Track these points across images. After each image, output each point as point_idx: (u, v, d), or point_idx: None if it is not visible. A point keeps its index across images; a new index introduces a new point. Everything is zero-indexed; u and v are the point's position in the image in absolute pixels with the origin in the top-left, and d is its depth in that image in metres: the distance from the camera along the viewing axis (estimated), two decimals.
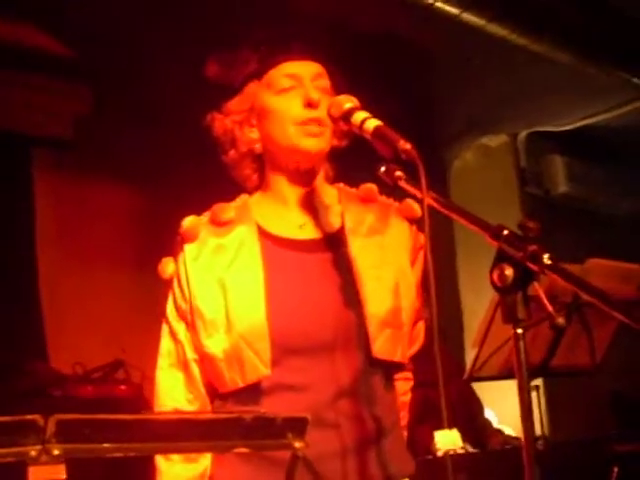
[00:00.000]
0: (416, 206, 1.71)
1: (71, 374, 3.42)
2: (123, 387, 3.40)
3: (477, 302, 5.10)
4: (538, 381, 3.73)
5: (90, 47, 3.76)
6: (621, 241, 5.79)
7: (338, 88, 1.71)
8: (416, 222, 1.75)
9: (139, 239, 4.00)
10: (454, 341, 4.86)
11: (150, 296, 4.00)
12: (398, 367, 1.67)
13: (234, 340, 1.56)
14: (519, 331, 1.19)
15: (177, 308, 1.68)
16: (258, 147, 1.71)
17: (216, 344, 1.58)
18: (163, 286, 4.10)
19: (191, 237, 1.68)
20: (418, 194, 1.36)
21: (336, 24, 3.63)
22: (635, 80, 4.09)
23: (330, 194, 1.75)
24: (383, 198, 1.77)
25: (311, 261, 1.65)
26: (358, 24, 3.73)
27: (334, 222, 1.70)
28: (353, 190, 1.77)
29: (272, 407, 1.51)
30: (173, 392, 1.65)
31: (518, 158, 5.40)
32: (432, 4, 3.19)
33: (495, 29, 3.40)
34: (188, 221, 1.69)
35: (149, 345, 4.14)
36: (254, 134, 1.70)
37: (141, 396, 3.43)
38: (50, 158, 3.91)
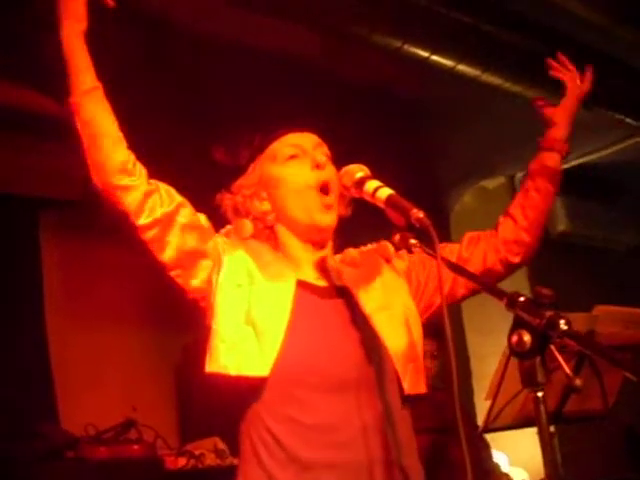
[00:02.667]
0: (390, 246, 1.82)
1: (83, 435, 3.42)
2: (136, 447, 3.38)
3: (484, 344, 5.12)
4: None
5: None
6: (622, 275, 5.84)
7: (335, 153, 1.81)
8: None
9: (146, 297, 4.02)
10: (462, 385, 4.86)
11: (158, 353, 4.07)
12: (422, 398, 1.72)
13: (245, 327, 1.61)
14: (539, 394, 1.22)
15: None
16: (271, 218, 1.77)
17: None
18: (171, 342, 4.09)
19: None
20: (433, 260, 1.41)
21: (331, 80, 3.70)
22: (628, 120, 4.16)
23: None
24: (363, 248, 1.87)
25: (327, 306, 1.70)
26: (352, 78, 3.80)
27: (338, 279, 1.76)
28: (338, 257, 1.83)
29: (302, 448, 1.56)
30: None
31: None
32: (427, 57, 3.26)
33: (490, 78, 3.46)
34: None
35: (160, 402, 4.15)
36: (265, 206, 1.76)
37: (155, 455, 3.44)
38: (56, 220, 3.95)
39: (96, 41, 1.62)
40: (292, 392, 1.58)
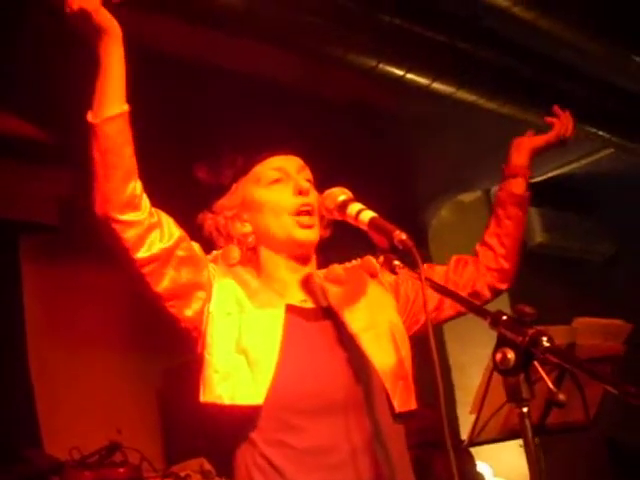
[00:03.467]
0: (374, 261, 1.80)
1: (68, 460, 3.39)
2: (121, 470, 3.35)
3: (465, 356, 5.15)
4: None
5: (69, 131, 3.81)
6: (598, 285, 5.91)
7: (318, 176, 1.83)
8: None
9: (128, 320, 4.02)
10: (445, 397, 4.87)
11: (141, 376, 4.05)
12: (413, 414, 1.74)
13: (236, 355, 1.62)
14: (524, 410, 1.25)
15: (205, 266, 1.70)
16: (251, 240, 1.78)
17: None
18: (153, 366, 4.06)
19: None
20: (417, 281, 1.44)
21: (306, 99, 3.74)
22: (601, 133, 4.23)
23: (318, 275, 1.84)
24: (347, 265, 1.89)
25: (315, 329, 1.72)
26: (328, 97, 3.84)
27: (324, 300, 1.78)
28: (322, 272, 1.85)
29: (297, 472, 1.59)
30: None
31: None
32: (403, 76, 3.30)
33: (465, 95, 3.51)
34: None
35: (144, 425, 4.13)
36: (247, 228, 1.78)
37: (140, 477, 3.42)
38: (36, 244, 3.94)
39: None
40: (284, 418, 1.60)
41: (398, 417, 1.68)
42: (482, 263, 1.96)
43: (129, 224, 1.53)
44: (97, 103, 1.52)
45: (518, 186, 1.98)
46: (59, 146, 3.92)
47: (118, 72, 1.53)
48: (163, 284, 1.59)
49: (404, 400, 1.69)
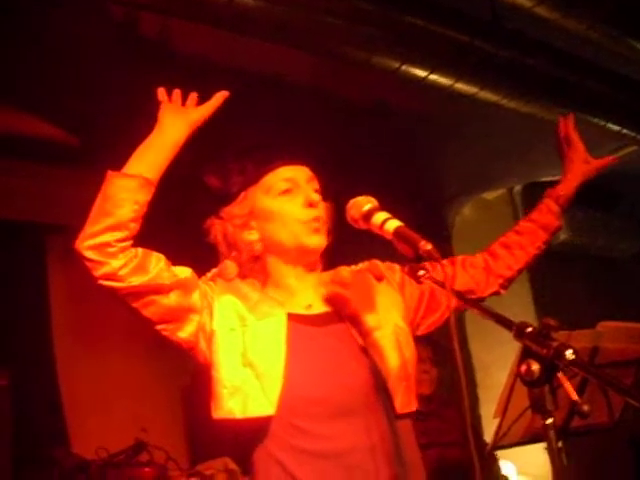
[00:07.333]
0: (381, 264, 1.87)
1: (95, 459, 3.44)
2: (147, 469, 3.40)
3: (488, 354, 5.15)
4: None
5: (98, 135, 3.86)
6: (621, 282, 5.88)
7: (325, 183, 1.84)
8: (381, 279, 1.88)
9: None
10: (468, 397, 4.86)
11: (166, 375, 4.08)
12: (415, 415, 1.76)
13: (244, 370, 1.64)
14: (549, 421, 1.26)
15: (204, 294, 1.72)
16: (258, 248, 1.78)
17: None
18: (178, 365, 4.09)
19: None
20: (443, 290, 1.45)
21: (328, 97, 3.74)
22: (625, 131, 4.21)
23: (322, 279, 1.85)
24: (354, 267, 1.89)
25: (322, 334, 1.73)
26: (350, 96, 3.84)
27: (331, 304, 1.80)
28: (329, 274, 1.85)
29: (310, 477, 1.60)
30: None
31: (516, 210, 5.51)
32: (425, 77, 3.30)
33: (487, 95, 3.51)
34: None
35: (169, 425, 4.15)
36: (253, 236, 1.78)
37: (166, 476, 3.45)
38: (63, 245, 3.98)
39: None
40: (297, 424, 1.62)
41: (400, 418, 1.69)
42: (493, 271, 1.96)
43: (98, 263, 1.57)
44: (128, 160, 1.64)
45: (559, 217, 2.01)
46: (88, 149, 3.96)
47: (166, 152, 1.68)
48: (150, 309, 1.62)
49: (405, 402, 1.70)
